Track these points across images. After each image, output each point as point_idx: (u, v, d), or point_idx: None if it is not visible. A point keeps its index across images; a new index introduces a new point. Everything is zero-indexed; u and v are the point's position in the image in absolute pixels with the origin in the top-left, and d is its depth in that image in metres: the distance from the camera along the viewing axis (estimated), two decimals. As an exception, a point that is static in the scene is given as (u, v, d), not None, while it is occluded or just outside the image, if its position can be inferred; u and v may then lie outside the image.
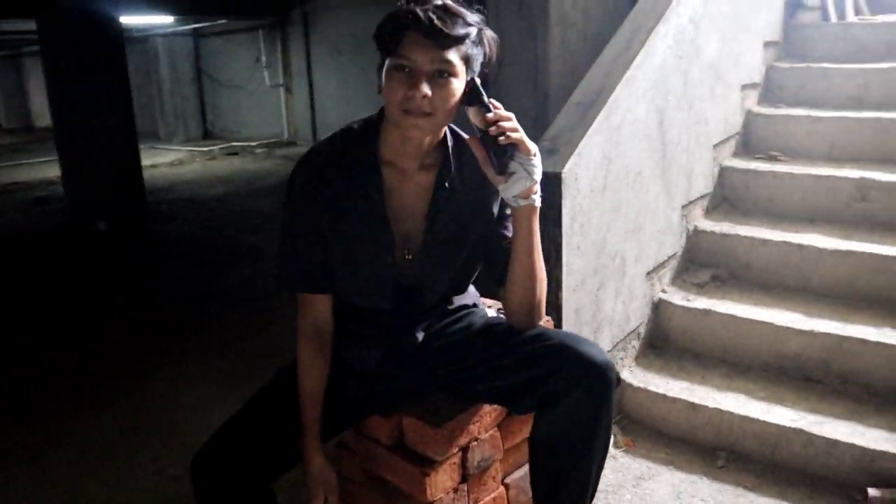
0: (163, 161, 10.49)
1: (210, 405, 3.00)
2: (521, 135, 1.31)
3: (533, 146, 1.32)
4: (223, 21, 11.82)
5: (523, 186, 1.33)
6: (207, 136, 13.29)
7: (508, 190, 1.34)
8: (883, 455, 2.07)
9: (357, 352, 1.51)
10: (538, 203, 1.37)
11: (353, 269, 1.45)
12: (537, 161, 1.33)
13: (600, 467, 1.45)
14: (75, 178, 6.72)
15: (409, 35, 1.27)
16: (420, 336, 1.52)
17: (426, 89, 1.27)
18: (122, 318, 4.21)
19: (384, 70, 1.32)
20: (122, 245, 6.07)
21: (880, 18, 3.86)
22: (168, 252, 5.82)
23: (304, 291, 1.46)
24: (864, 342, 2.36)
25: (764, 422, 2.25)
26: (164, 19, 10.89)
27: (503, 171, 1.32)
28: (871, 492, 2.01)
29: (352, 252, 1.44)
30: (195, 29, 12.44)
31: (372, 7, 9.97)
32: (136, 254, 5.85)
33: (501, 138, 1.29)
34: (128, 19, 8.96)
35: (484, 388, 1.49)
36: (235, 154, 11.11)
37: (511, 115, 1.32)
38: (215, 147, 11.45)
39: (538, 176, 1.33)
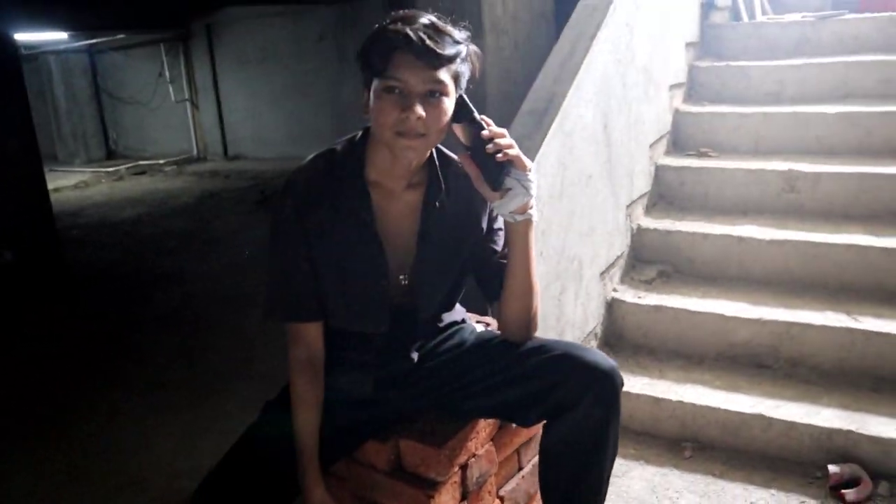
0: (66, 184, 9.96)
1: (155, 439, 2.86)
2: (517, 151, 1.31)
3: (529, 161, 1.32)
4: (121, 36, 11.33)
5: (521, 202, 1.32)
6: (111, 155, 12.71)
7: (505, 206, 1.33)
8: (838, 432, 2.18)
9: (351, 378, 1.47)
10: (536, 217, 1.37)
11: (347, 294, 1.41)
12: (533, 176, 1.33)
13: (611, 469, 1.46)
14: (-27, 207, 6.27)
15: (399, 56, 1.25)
16: (415, 357, 1.49)
17: (420, 111, 1.25)
18: (43, 355, 3.96)
19: (373, 92, 1.29)
20: (33, 275, 5.70)
21: (787, 17, 4.09)
22: (85, 280, 5.52)
23: (297, 321, 1.41)
24: (808, 326, 2.48)
25: (724, 410, 2.33)
26: (55, 35, 10.34)
27: (498, 187, 1.31)
28: (832, 468, 2.11)
29: (344, 277, 1.40)
30: (91, 45, 11.87)
31: (278, 18, 9.81)
32: (50, 283, 5.52)
33: (499, 155, 1.28)
34: (18, 36, 8.46)
35: (486, 403, 1.47)
36: (143, 173, 10.67)
37: (504, 130, 1.32)
38: (121, 167, 10.95)
39: (535, 191, 1.33)
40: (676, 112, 3.43)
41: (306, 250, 1.37)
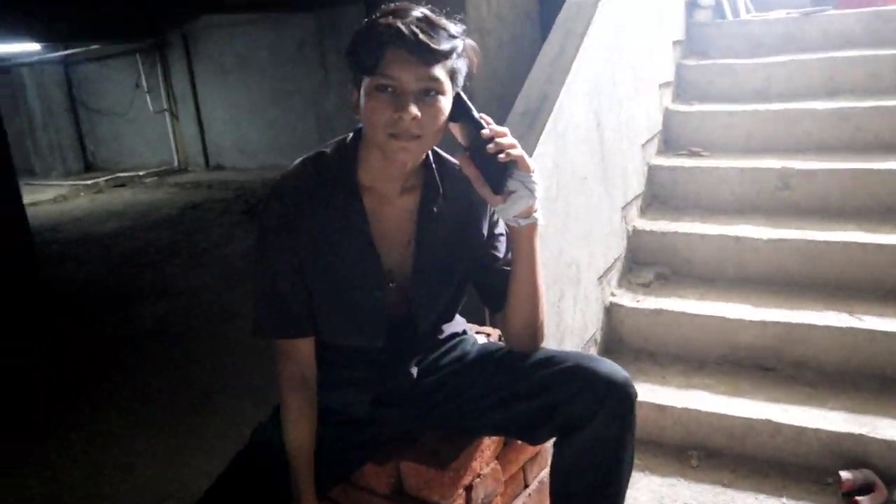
0: (43, 198, 9.76)
1: (139, 460, 2.76)
2: (519, 151, 1.22)
3: (532, 162, 1.24)
4: (96, 46, 11.16)
5: (525, 205, 1.24)
6: (90, 168, 12.51)
7: (508, 210, 1.25)
8: (848, 437, 2.12)
9: (346, 396, 1.38)
10: (541, 220, 1.29)
11: (341, 306, 1.32)
12: (537, 177, 1.25)
13: (627, 487, 1.39)
14: (-54, 225, 6.11)
15: (391, 52, 1.16)
16: (415, 372, 1.41)
17: (415, 110, 1.16)
18: (19, 373, 3.83)
19: (363, 91, 1.20)
20: (11, 293, 5.55)
21: (771, 14, 4.06)
22: (66, 295, 5.38)
23: (288, 337, 1.32)
24: (810, 327, 2.42)
25: (730, 416, 2.26)
26: (27, 47, 10.15)
27: (501, 190, 1.23)
28: (844, 474, 2.05)
29: (338, 288, 1.31)
30: (65, 56, 11.68)
31: (256, 26, 9.70)
32: (28, 300, 5.38)
33: (501, 156, 1.20)
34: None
35: (491, 420, 1.39)
36: (123, 185, 10.50)
37: (506, 130, 1.24)
38: (100, 179, 10.76)
39: (539, 193, 1.25)
40: (666, 111, 3.37)
41: (296, 260, 1.28)
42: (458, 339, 1.49)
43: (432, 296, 1.38)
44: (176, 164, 11.52)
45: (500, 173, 1.22)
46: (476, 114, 1.23)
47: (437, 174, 1.33)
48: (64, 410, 3.28)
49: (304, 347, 1.33)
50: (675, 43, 3.56)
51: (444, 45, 1.17)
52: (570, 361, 1.33)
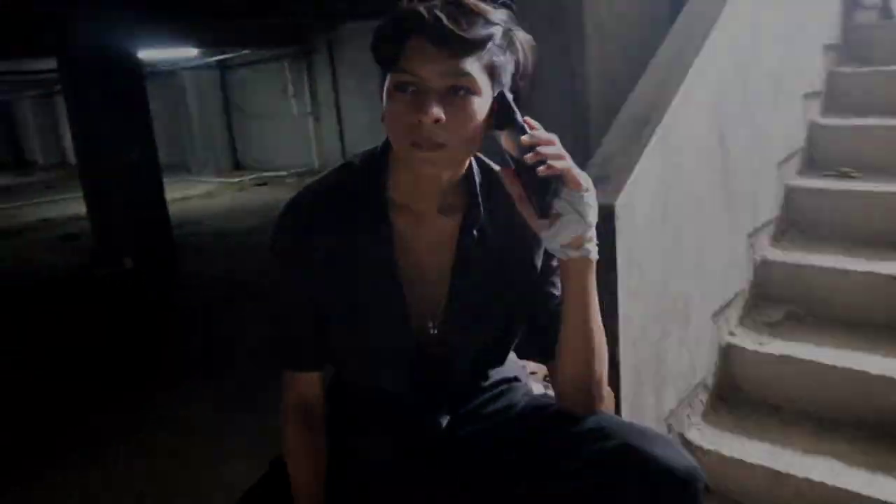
0: (194, 193, 10.44)
1: (231, 459, 2.74)
2: (567, 163, 0.97)
3: (585, 178, 0.98)
4: (248, 52, 11.77)
5: (573, 233, 0.99)
6: (238, 166, 13.26)
7: (554, 238, 0.99)
8: None
9: (365, 441, 1.19)
10: (595, 255, 1.04)
11: (360, 343, 1.13)
12: (591, 198, 0.99)
13: None
14: (100, 215, 6.63)
15: (412, 42, 0.96)
16: (444, 422, 1.19)
17: (437, 112, 0.94)
18: (137, 364, 4.00)
19: (384, 91, 1.00)
20: (149, 282, 5.91)
21: (954, 14, 3.49)
22: (195, 288, 5.65)
23: (291, 369, 1.17)
24: (981, 392, 1.98)
25: (870, 498, 1.85)
26: (188, 52, 10.87)
27: (545, 212, 0.99)
28: None
29: (357, 322, 1.12)
30: (220, 61, 12.43)
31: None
32: (162, 291, 5.68)
33: (541, 168, 0.95)
34: (150, 54, 8.93)
35: (524, 494, 1.12)
36: (265, 184, 11.00)
37: (553, 136, 0.98)
38: (245, 178, 11.35)
39: (593, 218, 0.99)
40: (812, 125, 2.95)
41: (309, 288, 1.11)
42: (506, 386, 1.25)
43: (471, 336, 1.15)
44: (316, 165, 11.91)
45: (545, 191, 0.98)
46: (520, 118, 1.00)
47: (480, 190, 1.11)
48: (173, 404, 3.36)
49: (310, 379, 1.17)
50: (826, 47, 3.12)
51: (478, 33, 0.94)
52: (619, 437, 1.05)
